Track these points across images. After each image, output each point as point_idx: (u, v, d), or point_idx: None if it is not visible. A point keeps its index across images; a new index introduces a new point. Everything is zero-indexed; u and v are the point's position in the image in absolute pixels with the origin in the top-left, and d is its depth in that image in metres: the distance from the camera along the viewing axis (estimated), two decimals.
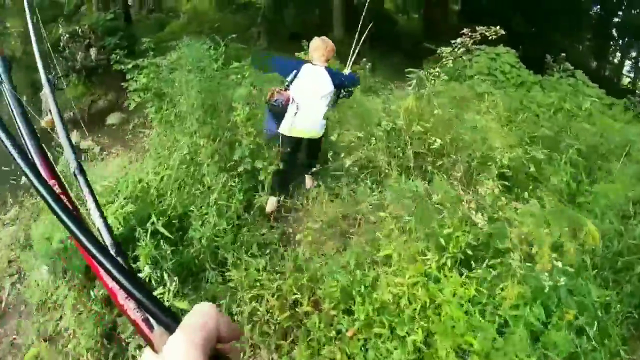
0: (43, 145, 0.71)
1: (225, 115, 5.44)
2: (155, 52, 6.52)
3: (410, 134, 4.88)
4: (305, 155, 5.48)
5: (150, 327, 0.58)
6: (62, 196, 0.63)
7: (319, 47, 5.10)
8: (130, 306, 0.59)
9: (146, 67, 6.13)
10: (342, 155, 5.12)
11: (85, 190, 0.73)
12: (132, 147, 8.83)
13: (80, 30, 9.86)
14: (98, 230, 0.68)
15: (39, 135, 0.73)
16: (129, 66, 6.35)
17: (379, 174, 5.03)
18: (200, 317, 0.54)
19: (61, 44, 9.88)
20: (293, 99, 5.02)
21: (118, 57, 6.70)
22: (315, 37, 5.22)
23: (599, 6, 24.59)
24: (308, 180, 5.91)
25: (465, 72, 8.62)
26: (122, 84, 6.59)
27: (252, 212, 5.10)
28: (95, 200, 0.72)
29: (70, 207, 0.63)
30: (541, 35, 19.29)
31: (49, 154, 0.70)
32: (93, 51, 9.44)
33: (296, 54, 10.73)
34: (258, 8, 19.84)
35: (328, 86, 5.02)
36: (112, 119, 10.50)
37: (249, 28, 17.43)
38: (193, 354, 0.50)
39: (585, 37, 25.37)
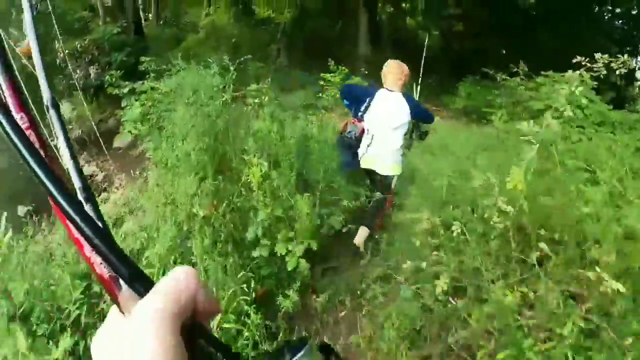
0: (17, 74, 0.58)
1: (237, 165, 4.27)
2: (164, 72, 5.35)
3: (535, 229, 3.04)
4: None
5: (119, 286, 0.51)
6: (29, 131, 0.54)
7: (395, 70, 4.60)
8: (97, 260, 0.51)
9: (145, 92, 4.98)
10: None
11: (57, 126, 0.62)
12: (136, 178, 7.87)
13: (79, 46, 8.79)
14: (68, 172, 0.57)
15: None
16: (125, 90, 5.23)
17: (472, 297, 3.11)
18: (176, 282, 0.48)
19: (58, 61, 8.86)
20: (367, 130, 4.55)
21: (113, 79, 5.59)
22: (390, 60, 4.75)
23: None
24: (361, 233, 4.59)
25: (530, 104, 7.15)
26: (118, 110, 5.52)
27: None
28: (67, 140, 0.61)
29: (38, 145, 0.53)
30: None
31: (22, 85, 0.58)
32: (93, 69, 8.33)
33: (322, 74, 9.84)
34: (278, 23, 19.23)
35: (405, 116, 4.51)
36: (119, 141, 9.65)
37: (269, 44, 16.72)
38: (164, 323, 0.45)
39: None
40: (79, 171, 0.59)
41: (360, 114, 4.57)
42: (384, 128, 4.49)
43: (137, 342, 0.44)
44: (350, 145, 4.61)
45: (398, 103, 4.49)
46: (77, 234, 0.51)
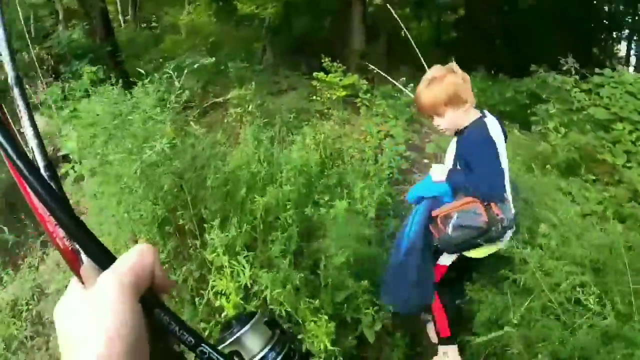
0: None
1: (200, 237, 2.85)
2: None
3: None
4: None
5: (80, 260, 0.54)
6: None
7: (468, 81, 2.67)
8: (59, 234, 0.54)
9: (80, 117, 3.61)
10: None
11: (21, 103, 0.62)
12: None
13: (27, 56, 7.32)
14: (31, 150, 0.59)
15: None
16: (65, 113, 3.87)
17: None
18: (136, 257, 0.53)
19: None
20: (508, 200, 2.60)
21: (55, 97, 4.22)
22: (454, 67, 2.70)
23: None
24: (432, 332, 3.33)
25: (590, 112, 5.72)
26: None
27: None
28: (31, 117, 0.61)
29: (2, 120, 0.56)
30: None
31: None
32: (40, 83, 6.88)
33: (315, 74, 8.65)
34: (262, 19, 18.18)
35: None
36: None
37: (253, 42, 15.73)
38: (123, 296, 0.49)
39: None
40: (43, 150, 0.59)
41: (482, 194, 2.52)
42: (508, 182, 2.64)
43: (101, 310, 0.47)
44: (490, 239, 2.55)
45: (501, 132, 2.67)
46: (41, 209, 0.53)
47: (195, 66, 7.44)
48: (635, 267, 2.31)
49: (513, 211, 2.58)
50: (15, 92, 0.61)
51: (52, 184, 0.54)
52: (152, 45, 16.57)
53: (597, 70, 6.39)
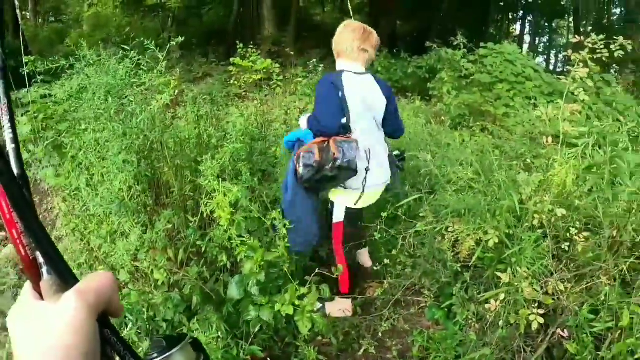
0: None
1: (186, 193, 3.35)
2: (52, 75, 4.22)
3: None
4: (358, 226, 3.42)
5: (41, 273, 0.55)
6: None
7: (362, 39, 2.91)
8: (24, 242, 0.54)
9: (34, 101, 3.96)
10: None
11: (4, 101, 0.61)
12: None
13: None
14: (7, 155, 0.59)
15: None
16: None
17: None
18: (100, 281, 0.57)
19: None
20: (361, 147, 2.87)
21: None
22: (350, 22, 3.04)
23: None
24: (365, 257, 3.66)
25: (477, 77, 7.06)
26: None
27: None
28: (12, 120, 0.61)
29: None
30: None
31: None
32: None
33: (232, 59, 9.07)
34: (169, 9, 18.06)
35: (384, 104, 2.98)
36: None
37: (160, 33, 15.54)
38: (87, 314, 0.52)
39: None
40: (19, 157, 0.60)
41: (344, 122, 2.84)
42: (373, 133, 3.01)
43: (65, 325, 0.51)
44: (333, 178, 2.81)
45: (376, 91, 2.97)
46: (10, 215, 0.53)
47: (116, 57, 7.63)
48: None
49: (362, 155, 2.87)
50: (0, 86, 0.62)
51: (25, 192, 0.55)
52: (57, 41, 15.96)
53: (482, 44, 7.60)
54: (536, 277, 2.52)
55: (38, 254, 0.55)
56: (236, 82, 9.14)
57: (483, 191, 3.11)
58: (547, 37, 31.67)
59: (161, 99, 3.22)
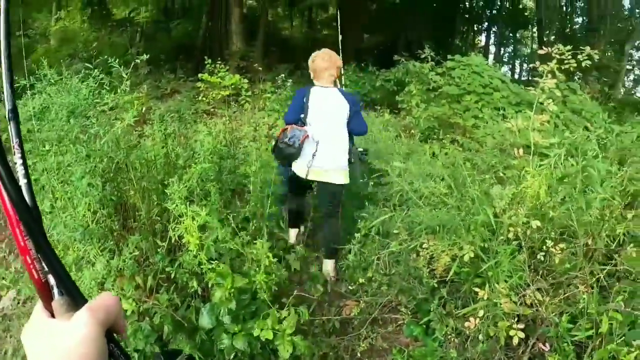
0: None
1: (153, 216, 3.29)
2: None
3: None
4: (328, 210, 4.05)
5: (52, 294, 0.59)
6: None
7: (326, 63, 3.96)
8: (37, 266, 0.58)
9: None
10: None
11: (16, 141, 0.65)
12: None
13: None
14: (21, 189, 0.59)
15: None
16: None
17: None
18: (106, 301, 0.62)
19: None
20: (312, 137, 3.89)
21: None
22: (317, 53, 4.07)
23: None
24: (329, 267, 4.05)
25: (445, 89, 7.14)
26: None
27: None
28: (23, 157, 0.64)
29: None
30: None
31: None
32: None
33: (200, 75, 9.02)
34: (137, 24, 17.82)
35: (346, 111, 3.93)
36: None
37: (128, 48, 15.28)
38: (97, 331, 0.57)
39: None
40: (31, 191, 0.63)
41: (301, 118, 3.93)
42: (329, 129, 3.90)
43: (78, 339, 0.56)
44: (290, 156, 3.86)
45: (337, 98, 3.92)
46: (24, 243, 0.57)
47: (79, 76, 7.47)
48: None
49: (312, 142, 3.84)
50: (12, 126, 0.66)
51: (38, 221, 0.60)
52: (20, 57, 15.51)
53: (449, 56, 7.66)
54: (514, 289, 2.50)
55: (50, 276, 0.59)
56: (204, 99, 9.08)
57: (456, 206, 3.08)
58: (512, 47, 32.31)
59: (125, 119, 3.11)
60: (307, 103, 3.90)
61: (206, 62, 9.30)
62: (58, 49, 16.05)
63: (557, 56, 3.06)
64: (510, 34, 30.64)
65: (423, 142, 6.18)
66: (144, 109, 6.94)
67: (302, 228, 4.42)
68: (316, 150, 3.83)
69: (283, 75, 8.54)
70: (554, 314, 2.43)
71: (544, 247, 2.48)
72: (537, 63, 3.15)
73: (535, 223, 2.52)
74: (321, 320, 3.25)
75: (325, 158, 3.84)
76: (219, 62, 9.41)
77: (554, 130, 4.70)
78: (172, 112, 7.58)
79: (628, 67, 17.81)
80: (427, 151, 5.16)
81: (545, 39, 21.82)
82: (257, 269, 2.72)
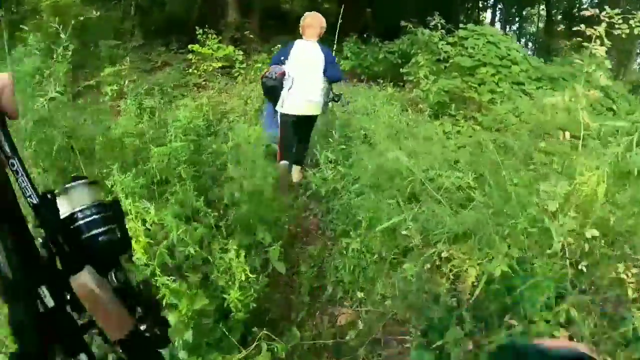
0: None
1: None
2: None
3: None
4: (300, 137, 5.14)
5: None
6: None
7: (312, 22, 4.93)
8: None
9: None
10: None
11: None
12: None
13: None
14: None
15: None
16: None
17: None
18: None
19: None
20: (288, 74, 4.76)
21: None
22: (307, 13, 5.08)
23: None
24: (295, 173, 5.20)
25: (456, 60, 6.43)
26: None
27: None
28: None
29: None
30: None
31: None
32: None
33: (190, 46, 8.49)
34: None
35: (321, 61, 4.85)
36: None
37: (122, 22, 14.70)
38: None
39: None
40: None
41: (282, 60, 4.83)
42: (304, 70, 4.78)
43: None
44: (272, 88, 4.72)
45: (315, 49, 4.84)
46: None
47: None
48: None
49: (288, 79, 4.69)
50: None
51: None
52: (8, 33, 14.94)
53: (461, 25, 6.96)
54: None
55: None
56: (196, 71, 8.57)
57: (486, 203, 2.37)
58: (518, 25, 31.45)
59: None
60: (289, 50, 4.87)
61: (197, 33, 8.76)
62: (48, 25, 15.41)
63: (607, 19, 2.57)
64: (516, 12, 29.76)
65: (433, 117, 5.63)
66: (125, 82, 6.34)
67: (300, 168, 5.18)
68: (292, 85, 4.73)
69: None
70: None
71: (614, 272, 1.83)
72: (582, 26, 2.65)
73: (592, 232, 1.87)
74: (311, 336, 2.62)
75: (299, 92, 4.76)
76: (211, 33, 8.86)
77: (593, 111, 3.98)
78: (157, 85, 7.06)
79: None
80: (438, 129, 4.50)
81: (553, 18, 21.17)
82: (230, 282, 2.09)
